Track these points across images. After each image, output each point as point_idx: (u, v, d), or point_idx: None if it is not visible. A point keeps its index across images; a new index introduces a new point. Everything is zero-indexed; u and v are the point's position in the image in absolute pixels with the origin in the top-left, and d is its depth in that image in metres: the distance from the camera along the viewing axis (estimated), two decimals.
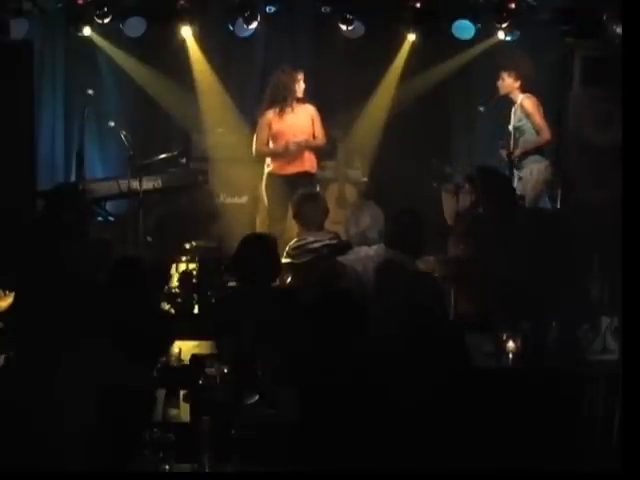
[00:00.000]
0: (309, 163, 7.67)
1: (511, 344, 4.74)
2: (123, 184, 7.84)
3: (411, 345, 3.86)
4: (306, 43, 8.93)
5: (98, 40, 8.13)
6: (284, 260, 5.76)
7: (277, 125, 7.56)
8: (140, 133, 8.48)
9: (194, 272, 6.29)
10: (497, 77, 7.83)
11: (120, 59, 8.40)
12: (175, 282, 6.25)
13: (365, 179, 8.80)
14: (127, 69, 8.47)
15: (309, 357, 3.85)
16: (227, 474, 3.41)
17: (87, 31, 7.81)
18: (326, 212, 6.15)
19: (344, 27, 7.92)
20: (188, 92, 8.47)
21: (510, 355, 4.74)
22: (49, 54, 8.58)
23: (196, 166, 8.64)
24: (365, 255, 5.46)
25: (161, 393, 4.09)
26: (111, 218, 8.05)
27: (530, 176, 7.75)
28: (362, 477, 3.45)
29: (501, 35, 7.93)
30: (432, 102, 8.78)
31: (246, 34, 8.02)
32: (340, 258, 5.51)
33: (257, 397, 4.01)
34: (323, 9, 7.83)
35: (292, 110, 7.56)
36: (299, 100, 7.59)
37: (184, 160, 8.64)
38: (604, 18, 7.46)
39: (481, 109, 8.11)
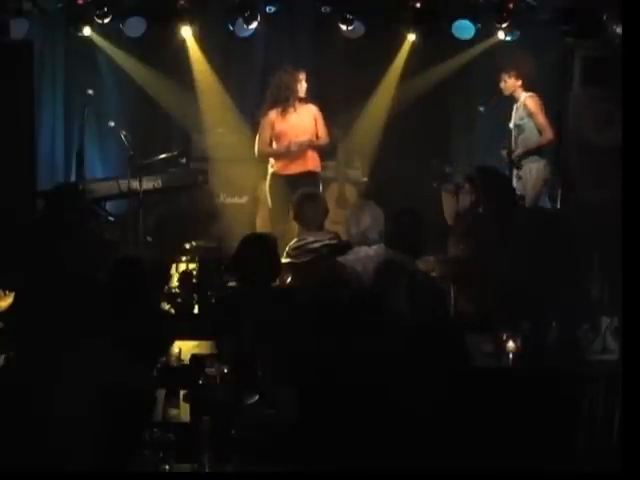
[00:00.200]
0: (312, 162, 7.67)
1: (511, 344, 4.73)
2: (123, 184, 7.84)
3: (411, 345, 3.86)
4: (306, 43, 8.93)
5: (98, 40, 8.13)
6: (284, 260, 5.76)
7: (280, 125, 7.56)
8: (140, 133, 8.48)
9: (194, 272, 6.29)
10: (498, 79, 7.83)
11: (120, 59, 8.40)
12: (175, 282, 6.25)
13: (365, 179, 8.81)
14: (127, 69, 8.47)
15: (309, 357, 3.85)
16: (227, 474, 3.41)
17: (87, 31, 7.82)
18: (326, 212, 6.15)
19: (344, 27, 7.93)
20: (188, 92, 8.47)
21: (510, 355, 4.73)
22: (49, 54, 8.57)
23: (196, 166, 8.65)
24: (365, 255, 5.46)
25: (161, 393, 4.09)
26: (111, 218, 8.05)
27: (529, 175, 7.75)
28: (362, 477, 3.45)
29: (501, 35, 7.94)
30: (432, 102, 8.78)
31: (246, 34, 8.02)
32: (340, 258, 5.50)
33: (257, 397, 4.00)
34: (323, 9, 7.84)
35: (294, 110, 7.55)
36: (301, 100, 7.59)
37: (184, 160, 8.65)
38: (604, 18, 7.46)
39: (481, 109, 8.12)
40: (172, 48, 8.18)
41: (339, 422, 3.55)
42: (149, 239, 7.90)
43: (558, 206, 7.93)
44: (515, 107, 7.89)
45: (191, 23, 7.84)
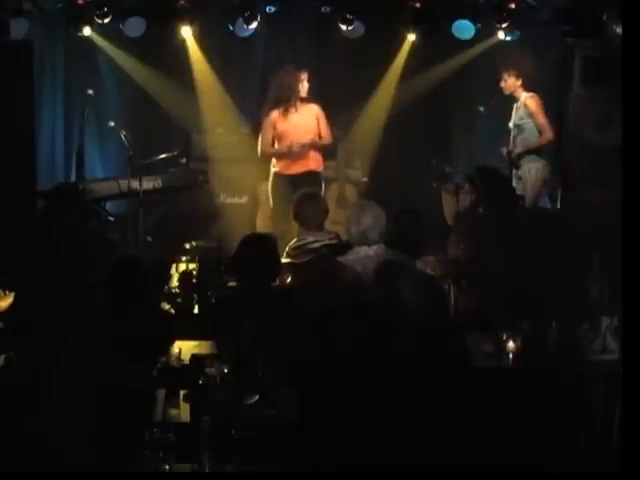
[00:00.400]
0: (314, 162, 7.67)
1: (511, 344, 4.73)
2: (123, 184, 7.84)
3: (411, 345, 3.85)
4: (306, 43, 8.94)
5: (98, 40, 8.14)
6: (284, 260, 5.76)
7: (281, 125, 7.57)
8: (140, 133, 8.48)
9: (194, 272, 6.29)
10: (499, 78, 7.83)
11: (120, 59, 8.41)
12: (175, 282, 6.25)
13: (365, 179, 8.81)
14: (127, 69, 8.48)
15: (309, 357, 3.85)
16: (227, 474, 3.41)
17: (87, 31, 7.83)
18: (326, 212, 6.15)
19: (344, 27, 7.93)
20: (188, 92, 8.48)
21: (510, 355, 4.73)
22: (49, 54, 8.58)
23: (196, 166, 8.65)
24: (365, 255, 5.45)
25: (161, 393, 4.09)
26: (111, 218, 8.05)
27: (529, 175, 7.75)
28: (362, 477, 3.45)
29: (501, 35, 7.94)
30: (432, 102, 8.78)
31: (246, 34, 8.02)
32: (340, 258, 5.50)
33: (257, 397, 4.00)
34: (323, 9, 7.84)
35: (296, 110, 7.56)
36: (303, 100, 7.60)
37: (184, 160, 8.65)
38: (604, 18, 7.47)
39: (481, 109, 8.12)
40: (172, 48, 8.18)
41: (339, 422, 3.55)
42: (149, 239, 7.90)
43: (558, 206, 7.92)
44: (515, 107, 7.88)
45: (191, 23, 7.85)
